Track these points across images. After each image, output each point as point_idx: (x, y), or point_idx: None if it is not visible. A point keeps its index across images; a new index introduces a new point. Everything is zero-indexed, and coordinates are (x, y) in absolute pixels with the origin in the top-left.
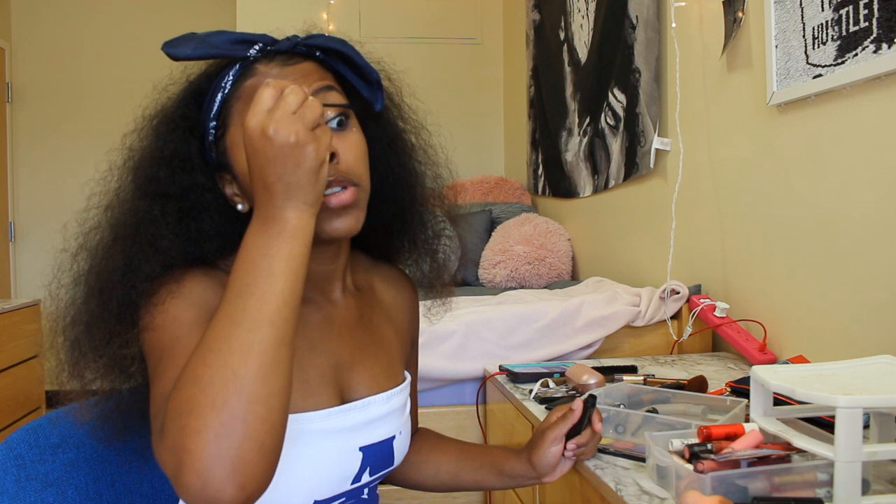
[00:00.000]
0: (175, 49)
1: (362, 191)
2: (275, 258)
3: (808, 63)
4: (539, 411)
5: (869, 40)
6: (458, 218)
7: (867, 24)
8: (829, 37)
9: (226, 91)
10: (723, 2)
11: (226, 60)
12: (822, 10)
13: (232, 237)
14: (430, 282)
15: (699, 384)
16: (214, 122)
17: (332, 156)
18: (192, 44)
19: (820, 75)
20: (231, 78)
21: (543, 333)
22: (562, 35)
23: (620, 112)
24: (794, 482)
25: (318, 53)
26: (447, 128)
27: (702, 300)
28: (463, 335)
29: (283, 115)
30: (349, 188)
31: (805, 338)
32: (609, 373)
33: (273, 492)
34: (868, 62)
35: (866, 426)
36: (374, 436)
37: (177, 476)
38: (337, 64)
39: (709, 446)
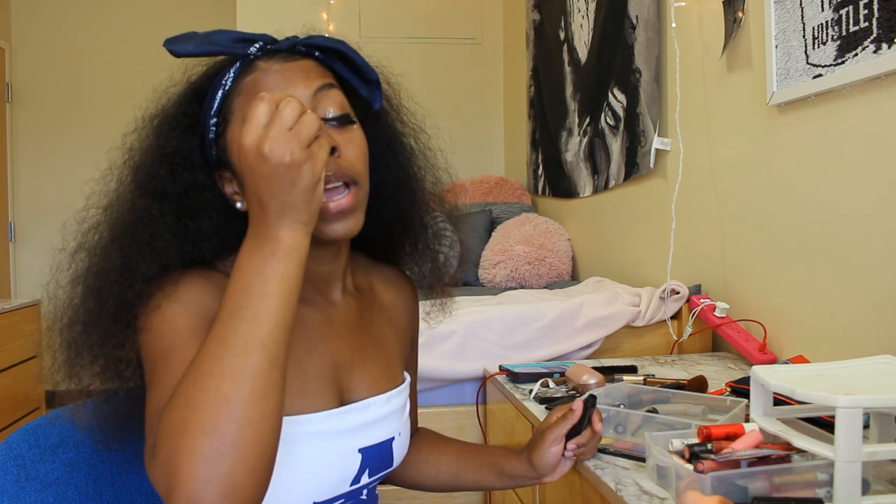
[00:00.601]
0: (177, 46)
1: (361, 191)
2: (268, 279)
3: (808, 63)
4: (539, 411)
5: (869, 40)
6: (458, 220)
7: (867, 24)
8: (829, 37)
9: (226, 88)
10: (723, 2)
11: (226, 60)
12: (822, 10)
13: (230, 237)
14: (431, 283)
15: (699, 384)
16: (215, 119)
17: (333, 150)
18: (193, 41)
19: (820, 75)
20: (232, 75)
21: (543, 333)
22: (562, 35)
23: (620, 112)
24: (794, 482)
25: (317, 53)
26: (447, 128)
27: (702, 300)
28: (463, 335)
29: (278, 132)
30: (350, 190)
31: (805, 338)
32: (609, 373)
33: (272, 493)
34: (868, 62)
35: (866, 426)
36: (374, 437)
37: (168, 497)
38: (335, 63)
39: (709, 446)
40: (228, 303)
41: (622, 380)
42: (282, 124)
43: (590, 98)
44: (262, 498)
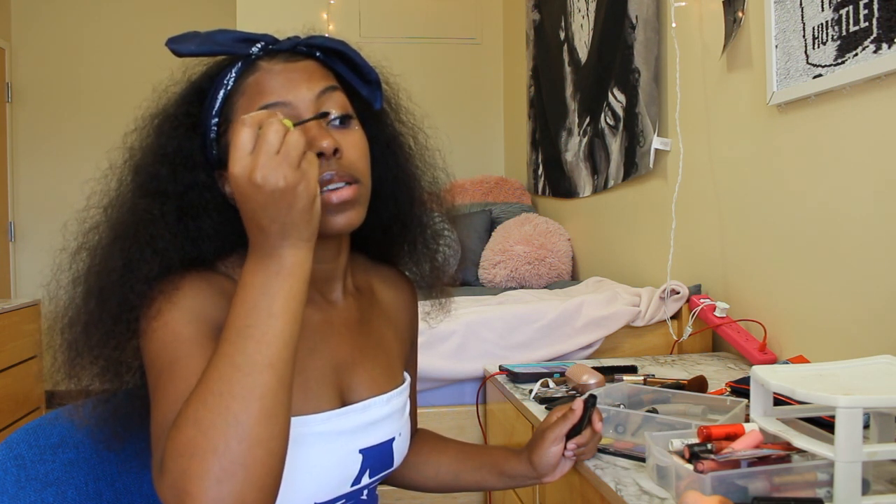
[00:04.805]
0: (179, 45)
1: (363, 187)
2: (274, 298)
3: (808, 63)
4: (539, 411)
5: (869, 40)
6: (456, 220)
7: (867, 24)
8: (829, 37)
9: (228, 87)
10: (723, 2)
11: (227, 60)
12: (822, 10)
13: (230, 237)
14: (430, 283)
15: (699, 384)
16: (216, 119)
17: (336, 151)
18: (195, 41)
19: (820, 75)
20: (234, 75)
21: (543, 333)
22: (562, 35)
23: (620, 112)
24: (794, 482)
25: (318, 53)
26: (447, 128)
27: (702, 300)
28: (463, 335)
29: (267, 158)
30: (351, 185)
31: (805, 338)
32: (609, 373)
33: None
34: (868, 62)
35: (866, 426)
36: (374, 438)
37: None
38: (336, 64)
39: (709, 446)
40: (235, 321)
41: (622, 380)
42: (269, 149)
43: (590, 98)
44: None
